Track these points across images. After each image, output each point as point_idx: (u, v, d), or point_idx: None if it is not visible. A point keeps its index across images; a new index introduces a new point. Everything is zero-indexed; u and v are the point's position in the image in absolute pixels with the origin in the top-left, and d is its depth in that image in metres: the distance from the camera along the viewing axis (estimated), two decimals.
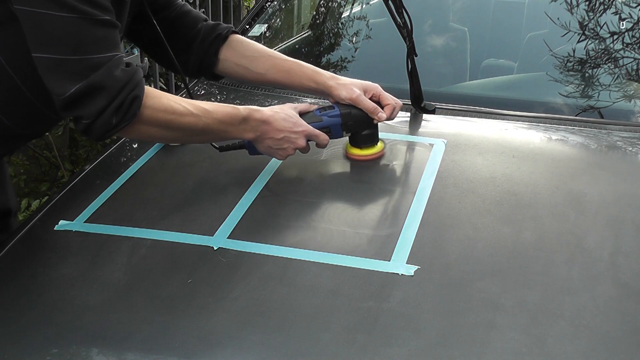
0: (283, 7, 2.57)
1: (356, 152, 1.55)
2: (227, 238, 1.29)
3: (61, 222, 1.39)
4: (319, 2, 2.66)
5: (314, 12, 2.66)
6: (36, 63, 1.21)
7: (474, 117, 1.76)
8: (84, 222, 1.39)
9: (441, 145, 1.57)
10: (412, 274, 1.17)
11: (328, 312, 1.11)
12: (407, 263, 1.20)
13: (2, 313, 1.18)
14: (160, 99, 1.30)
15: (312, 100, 1.78)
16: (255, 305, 1.13)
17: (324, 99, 1.62)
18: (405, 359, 1.02)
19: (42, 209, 1.49)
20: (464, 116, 1.76)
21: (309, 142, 1.48)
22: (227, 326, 1.10)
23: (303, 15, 2.72)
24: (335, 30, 2.43)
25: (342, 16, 2.50)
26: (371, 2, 2.47)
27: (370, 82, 1.55)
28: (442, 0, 2.41)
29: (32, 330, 1.13)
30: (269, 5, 2.48)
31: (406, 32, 1.60)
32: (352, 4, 2.50)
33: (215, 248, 1.26)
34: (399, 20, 1.58)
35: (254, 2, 4.09)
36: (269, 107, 1.46)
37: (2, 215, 1.53)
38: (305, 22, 2.67)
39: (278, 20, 2.54)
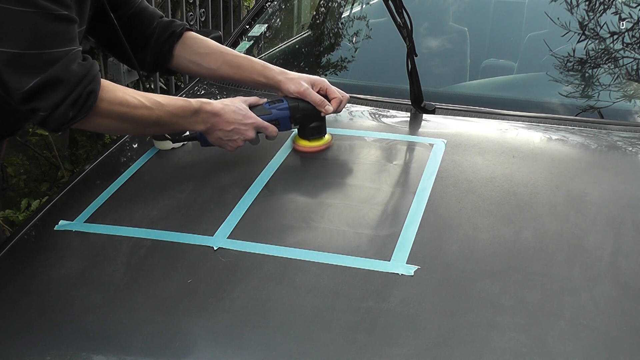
0: (283, 7, 2.57)
1: (304, 143, 1.59)
2: (227, 238, 1.29)
3: (61, 222, 1.39)
4: (319, 2, 2.65)
5: (314, 12, 2.66)
6: None
7: (474, 117, 1.75)
8: (84, 222, 1.39)
9: (441, 145, 1.57)
10: (412, 274, 1.17)
11: (328, 312, 1.11)
12: (407, 263, 1.20)
13: (2, 313, 1.18)
14: (116, 92, 1.33)
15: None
16: (255, 305, 1.13)
17: (274, 93, 1.65)
18: (405, 359, 1.02)
19: (42, 209, 1.49)
20: (464, 116, 1.76)
21: (258, 134, 1.52)
22: (227, 326, 1.10)
23: (303, 15, 2.72)
24: (335, 30, 2.43)
25: (342, 16, 2.50)
26: (371, 2, 2.46)
27: (317, 77, 1.61)
28: (442, 0, 2.41)
29: (32, 330, 1.13)
30: (269, 5, 2.48)
31: (406, 32, 1.60)
32: (352, 4, 2.50)
33: (215, 248, 1.26)
34: (399, 20, 1.59)
35: (254, 2, 4.08)
36: (220, 100, 1.49)
37: None
38: (305, 22, 2.67)
39: (278, 20, 2.54)
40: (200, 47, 1.64)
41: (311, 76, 1.60)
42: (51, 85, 1.23)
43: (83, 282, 1.23)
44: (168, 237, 1.31)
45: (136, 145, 1.74)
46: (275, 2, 2.51)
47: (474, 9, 2.43)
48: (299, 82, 1.56)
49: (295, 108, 1.55)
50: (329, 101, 1.57)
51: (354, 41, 2.26)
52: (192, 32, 1.66)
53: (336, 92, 1.59)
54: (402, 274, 1.17)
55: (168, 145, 1.64)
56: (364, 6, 2.45)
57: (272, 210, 1.38)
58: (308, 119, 1.56)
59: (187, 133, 1.57)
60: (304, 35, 2.54)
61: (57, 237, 1.36)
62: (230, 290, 1.16)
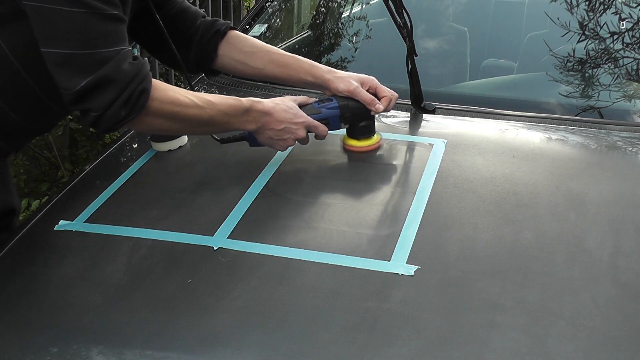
0: (283, 7, 2.57)
1: (353, 143, 1.57)
2: (227, 238, 1.29)
3: (61, 222, 1.39)
4: (319, 2, 2.65)
5: (314, 12, 2.66)
6: (45, 58, 1.23)
7: (474, 117, 1.75)
8: (84, 222, 1.39)
9: (441, 145, 1.57)
10: (412, 274, 1.17)
11: (328, 312, 1.11)
12: (407, 263, 1.20)
13: (2, 313, 1.18)
14: (167, 92, 1.33)
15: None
16: (255, 305, 1.13)
17: (322, 93, 1.64)
18: (405, 359, 1.02)
19: (42, 209, 1.49)
20: (464, 116, 1.76)
21: (308, 134, 1.50)
22: (227, 326, 1.10)
23: (303, 15, 2.72)
24: (335, 30, 2.43)
25: (342, 16, 2.50)
26: (371, 2, 2.46)
27: (366, 75, 1.58)
28: (442, 0, 2.41)
29: (32, 330, 1.13)
30: (269, 5, 2.48)
31: (406, 32, 1.60)
32: (352, 4, 2.50)
33: (215, 248, 1.26)
34: (399, 20, 1.59)
35: (254, 2, 4.08)
36: (270, 99, 1.48)
37: (5, 215, 1.54)
38: (305, 22, 2.67)
39: (278, 20, 2.54)
40: (245, 45, 1.62)
41: (360, 75, 1.59)
42: (102, 85, 1.23)
43: (83, 282, 1.23)
44: (168, 237, 1.31)
45: (136, 146, 1.74)
46: (275, 2, 2.51)
47: (474, 9, 2.43)
48: (348, 80, 1.54)
49: (345, 107, 1.53)
50: (379, 100, 1.55)
51: (354, 41, 2.26)
52: (236, 31, 1.64)
53: (386, 90, 1.57)
54: (402, 274, 1.17)
55: (165, 147, 1.63)
56: (364, 6, 2.45)
57: (272, 210, 1.38)
58: (358, 118, 1.55)
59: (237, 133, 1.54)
60: (304, 35, 2.54)
61: (57, 237, 1.36)
62: (230, 290, 1.16)
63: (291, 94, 1.76)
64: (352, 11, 2.47)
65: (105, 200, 1.46)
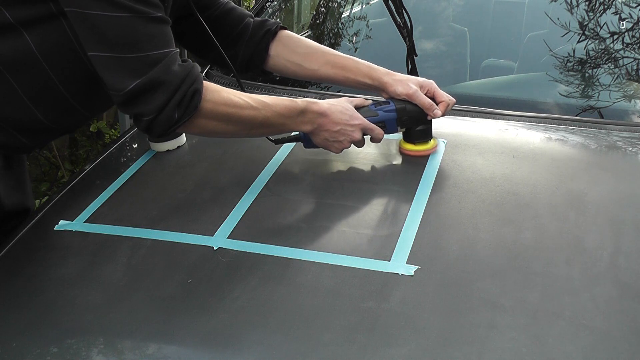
0: (283, 7, 2.57)
1: (410, 147, 1.55)
2: (227, 238, 1.29)
3: (61, 222, 1.39)
4: (319, 2, 2.65)
5: (314, 12, 2.66)
6: (92, 62, 1.23)
7: (474, 117, 1.75)
8: (84, 222, 1.39)
9: (441, 145, 1.57)
10: (412, 274, 1.17)
11: (328, 312, 1.11)
12: (407, 263, 1.20)
13: (2, 313, 1.18)
14: (220, 93, 1.31)
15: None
16: (255, 305, 1.13)
17: (377, 95, 1.60)
18: (405, 359, 1.02)
19: (42, 209, 1.49)
20: (464, 116, 1.76)
21: (364, 137, 1.48)
22: (227, 326, 1.10)
23: (303, 15, 2.72)
24: (335, 30, 2.43)
25: (342, 16, 2.50)
26: (371, 2, 2.47)
27: (425, 79, 1.56)
28: (442, 0, 2.41)
29: (32, 330, 1.13)
30: (269, 5, 2.48)
31: (406, 32, 1.60)
32: (352, 4, 2.50)
33: (215, 248, 1.26)
34: (399, 20, 1.59)
35: (254, 2, 4.08)
36: (326, 100, 1.46)
37: (20, 214, 1.54)
38: (305, 22, 2.67)
39: (278, 20, 2.54)
40: (299, 46, 1.60)
41: (418, 78, 1.55)
42: (153, 88, 1.22)
43: (83, 282, 1.23)
44: (168, 237, 1.31)
45: (136, 146, 1.74)
46: (275, 2, 2.51)
47: (474, 9, 2.43)
48: (407, 83, 1.51)
49: (403, 110, 1.50)
50: (437, 104, 1.52)
51: (354, 41, 2.26)
52: (288, 31, 1.62)
53: (444, 95, 1.53)
54: (402, 274, 1.17)
55: (163, 147, 1.63)
56: (364, 6, 2.45)
57: (272, 210, 1.38)
58: (415, 122, 1.52)
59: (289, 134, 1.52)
60: (304, 35, 2.54)
61: (57, 237, 1.36)
62: (230, 290, 1.16)
63: (303, 95, 1.76)
64: (352, 11, 2.47)
65: (105, 200, 1.46)
